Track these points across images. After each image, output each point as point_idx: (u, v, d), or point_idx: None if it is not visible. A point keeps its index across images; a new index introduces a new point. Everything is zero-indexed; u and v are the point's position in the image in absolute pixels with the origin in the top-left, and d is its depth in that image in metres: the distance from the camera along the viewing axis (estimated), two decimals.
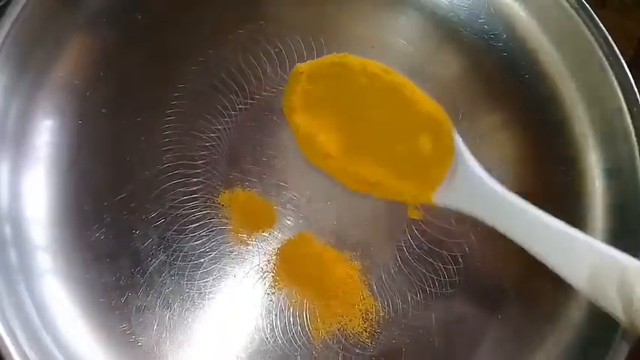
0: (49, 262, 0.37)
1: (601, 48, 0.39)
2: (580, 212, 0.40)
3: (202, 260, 0.38)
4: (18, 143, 0.37)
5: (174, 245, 0.38)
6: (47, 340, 0.35)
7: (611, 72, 0.39)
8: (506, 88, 0.41)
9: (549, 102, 0.41)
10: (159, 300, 0.37)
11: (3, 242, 0.35)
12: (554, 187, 0.41)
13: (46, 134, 0.38)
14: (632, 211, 0.37)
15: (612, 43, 0.39)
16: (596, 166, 0.40)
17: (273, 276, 0.39)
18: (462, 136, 0.40)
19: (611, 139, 0.39)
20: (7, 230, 0.36)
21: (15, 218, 0.36)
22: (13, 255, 0.36)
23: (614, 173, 0.39)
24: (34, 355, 0.34)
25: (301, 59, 0.41)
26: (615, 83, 0.38)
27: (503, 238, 0.39)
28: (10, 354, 0.33)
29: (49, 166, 0.38)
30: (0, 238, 0.35)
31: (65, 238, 0.37)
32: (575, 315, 0.38)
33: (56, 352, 0.35)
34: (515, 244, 0.39)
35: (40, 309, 0.36)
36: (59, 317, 0.36)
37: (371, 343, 0.38)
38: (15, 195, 0.37)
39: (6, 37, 0.36)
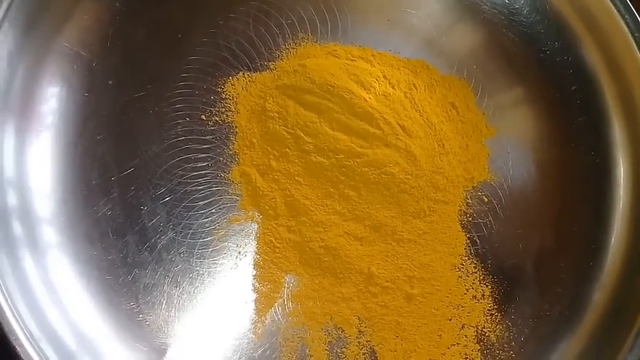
0: (55, 237, 0.35)
1: (626, 23, 0.38)
2: (601, 192, 0.39)
3: (212, 238, 0.37)
4: (23, 107, 0.36)
5: (183, 222, 0.37)
6: (52, 317, 0.34)
7: (636, 48, 0.37)
8: (526, 63, 0.40)
9: (571, 78, 0.40)
10: (167, 278, 0.36)
11: (7, 213, 0.34)
12: (574, 165, 0.40)
13: (51, 101, 0.37)
14: None
15: (638, 17, 0.38)
16: (619, 145, 0.39)
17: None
18: (481, 109, 0.39)
19: (635, 117, 0.38)
20: (12, 199, 0.35)
21: (20, 187, 0.35)
22: (17, 227, 0.34)
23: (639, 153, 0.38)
24: (37, 331, 0.33)
25: (314, 32, 0.40)
26: None
27: (521, 219, 0.39)
28: (13, 331, 0.32)
29: (54, 137, 0.37)
30: (4, 208, 0.34)
31: (71, 212, 0.36)
32: (595, 296, 0.38)
33: (61, 330, 0.34)
34: (534, 224, 0.38)
35: (45, 285, 0.35)
36: (65, 294, 0.35)
37: None
38: (20, 163, 0.36)
39: (11, 2, 0.35)
